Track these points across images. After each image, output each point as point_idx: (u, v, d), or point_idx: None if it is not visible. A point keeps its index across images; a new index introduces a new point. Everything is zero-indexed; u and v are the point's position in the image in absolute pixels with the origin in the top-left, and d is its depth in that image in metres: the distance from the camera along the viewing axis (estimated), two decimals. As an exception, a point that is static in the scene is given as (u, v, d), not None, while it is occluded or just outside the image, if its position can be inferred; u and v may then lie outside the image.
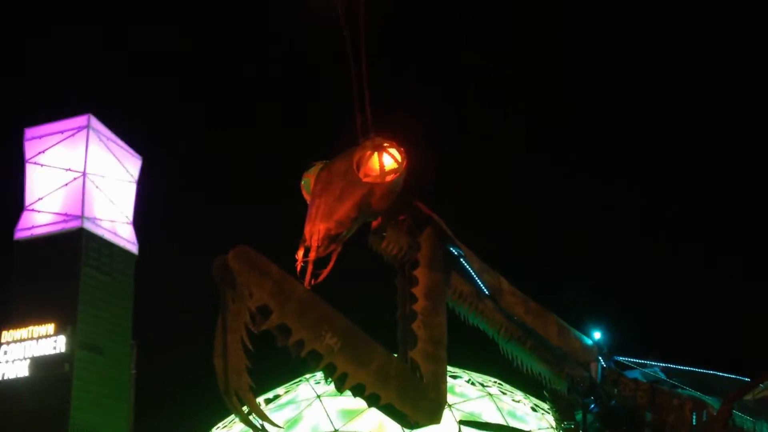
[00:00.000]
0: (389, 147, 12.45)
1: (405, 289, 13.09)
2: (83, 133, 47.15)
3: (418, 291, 12.82)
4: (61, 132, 47.46)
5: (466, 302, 13.65)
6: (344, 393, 11.91)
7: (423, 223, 13.36)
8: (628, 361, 15.10)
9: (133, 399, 49.34)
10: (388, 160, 12.46)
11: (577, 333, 14.50)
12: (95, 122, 47.77)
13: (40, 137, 47.21)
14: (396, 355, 12.59)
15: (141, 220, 50.77)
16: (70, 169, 46.82)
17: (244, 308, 11.03)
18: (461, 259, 13.50)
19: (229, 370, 10.75)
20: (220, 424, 35.32)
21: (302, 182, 13.23)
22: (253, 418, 10.88)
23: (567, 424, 15.04)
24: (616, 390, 14.72)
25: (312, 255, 12.32)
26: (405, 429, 12.52)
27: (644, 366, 15.41)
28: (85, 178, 46.63)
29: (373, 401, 11.89)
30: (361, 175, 12.33)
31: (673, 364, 15.53)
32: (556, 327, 14.23)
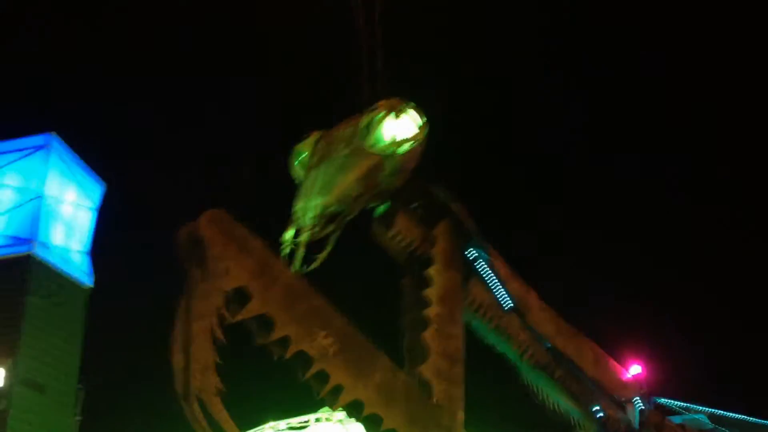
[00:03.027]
0: (406, 109, 10.06)
1: (414, 291, 10.59)
2: (43, 152, 44.14)
3: (431, 294, 10.31)
4: (20, 150, 44.33)
5: (486, 315, 11.15)
6: (337, 410, 9.18)
7: (440, 214, 10.96)
8: (670, 403, 12.64)
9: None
10: (403, 126, 10.05)
11: (615, 365, 12.03)
12: (57, 142, 44.81)
13: (-4, 154, 44.12)
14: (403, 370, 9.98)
15: (98, 250, 47.51)
16: (24, 189, 43.67)
17: (216, 289, 8.41)
18: (484, 262, 11.01)
19: (192, 367, 8.07)
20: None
21: (293, 157, 10.77)
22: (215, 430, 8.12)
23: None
24: (658, 436, 12.16)
25: (304, 236, 9.79)
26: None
27: (688, 411, 12.91)
28: (41, 201, 43.45)
29: (372, 425, 9.27)
30: (369, 143, 9.92)
31: (720, 410, 13.06)
32: (592, 354, 11.77)
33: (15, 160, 44.11)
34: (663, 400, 12.64)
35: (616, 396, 11.90)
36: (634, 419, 11.91)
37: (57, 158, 44.91)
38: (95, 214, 47.81)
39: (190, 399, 7.97)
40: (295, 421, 27.23)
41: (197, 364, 8.06)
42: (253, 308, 8.67)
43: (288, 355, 8.84)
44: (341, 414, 27.45)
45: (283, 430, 25.82)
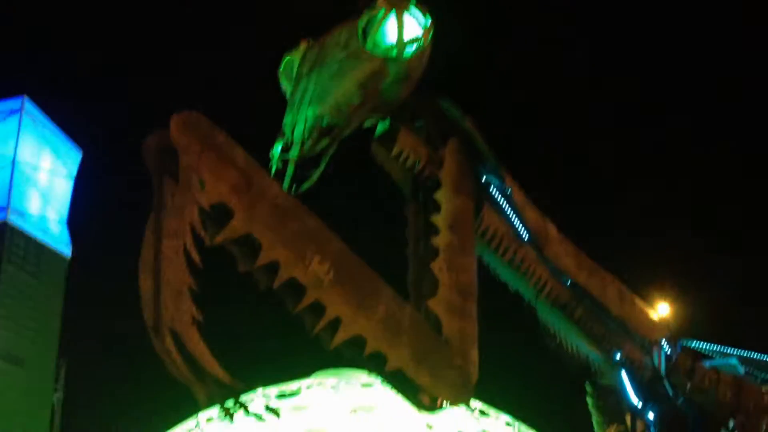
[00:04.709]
0: (410, 8, 8.72)
1: (420, 218, 9.28)
2: (16, 117, 42.46)
3: (440, 221, 9.00)
4: (-9, 115, 42.70)
5: (501, 246, 9.85)
6: (334, 348, 7.93)
7: (449, 132, 9.63)
8: (700, 346, 11.47)
9: (59, 422, 44.20)
10: (408, 26, 8.72)
11: (641, 303, 10.83)
12: (31, 107, 43.15)
13: (-34, 118, 42.38)
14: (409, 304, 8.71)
15: (76, 220, 45.97)
16: (-3, 155, 42.10)
17: (190, 203, 7.05)
18: (498, 187, 9.71)
19: (163, 293, 6.74)
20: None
21: (282, 67, 9.43)
22: (194, 369, 6.81)
23: (613, 428, 11.20)
24: (688, 382, 10.96)
25: (294, 152, 8.47)
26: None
27: (719, 354, 11.75)
28: (15, 167, 41.83)
29: (376, 364, 7.98)
30: (368, 45, 8.60)
31: (754, 352, 11.86)
32: (616, 291, 10.53)
33: (-13, 125, 42.52)
34: (692, 343, 11.47)
35: (641, 338, 10.71)
36: (661, 364, 10.71)
37: (31, 123, 43.29)
38: (73, 182, 46.31)
39: (161, 330, 6.66)
40: (286, 387, 26.16)
41: (168, 288, 6.74)
42: (235, 228, 7.35)
43: (276, 283, 7.54)
44: (333, 380, 26.37)
45: (274, 396, 24.67)
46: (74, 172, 45.79)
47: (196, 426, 25.70)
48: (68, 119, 45.77)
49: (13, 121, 42.30)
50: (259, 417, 7.34)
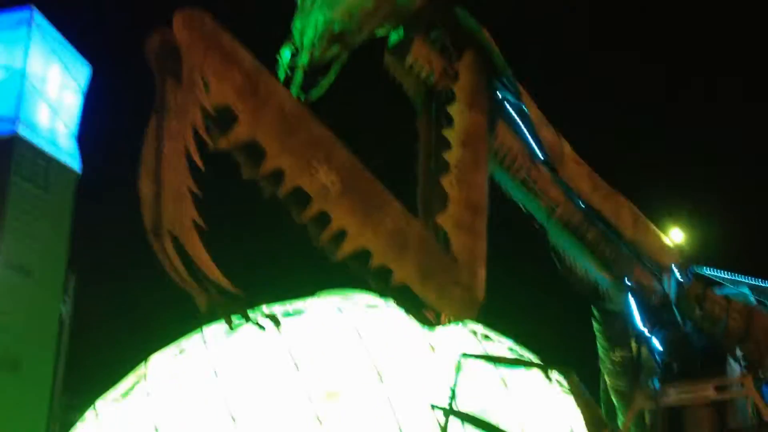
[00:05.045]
0: None
1: (432, 132, 9.00)
2: (24, 28, 41.67)
3: (452, 135, 8.71)
4: (-2, 25, 41.91)
5: (514, 165, 9.58)
6: (340, 261, 7.75)
7: (465, 44, 9.26)
8: (711, 274, 11.29)
9: (67, 334, 44.69)
10: None
11: (655, 229, 10.61)
12: (39, 18, 42.33)
13: (-28, 28, 41.71)
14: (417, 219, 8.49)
15: (85, 136, 45.64)
16: (6, 66, 41.45)
17: (193, 104, 6.77)
18: (514, 104, 9.38)
19: (163, 195, 6.51)
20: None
21: (293, -29, 8.99)
22: (195, 275, 6.65)
23: (618, 353, 11.11)
24: (698, 309, 10.81)
25: (303, 58, 8.15)
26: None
27: (731, 283, 11.56)
28: (24, 79, 41.28)
29: (381, 279, 7.79)
30: None
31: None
32: (630, 214, 10.30)
33: (-6, 35, 41.83)
34: (704, 270, 11.28)
35: (652, 263, 10.51)
36: (672, 290, 10.54)
37: (39, 35, 42.53)
38: (82, 97, 45.83)
39: (161, 234, 6.46)
40: (290, 306, 26.22)
41: (169, 191, 6.52)
42: (239, 133, 7.09)
43: (282, 192, 7.32)
44: (337, 299, 26.42)
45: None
46: (84, 86, 45.25)
47: (202, 342, 25.87)
48: (77, 33, 45.20)
49: (21, 32, 41.61)
50: (260, 326, 7.22)
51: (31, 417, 40.21)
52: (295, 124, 7.42)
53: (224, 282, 6.64)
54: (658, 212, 11.05)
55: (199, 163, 6.76)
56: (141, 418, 22.41)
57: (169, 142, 6.68)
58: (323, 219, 7.49)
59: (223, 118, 7.14)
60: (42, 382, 41.38)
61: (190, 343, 25.74)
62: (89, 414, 25.12)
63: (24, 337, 39.92)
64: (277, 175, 7.29)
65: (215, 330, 25.34)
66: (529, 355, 27.77)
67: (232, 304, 6.71)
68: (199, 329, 25.43)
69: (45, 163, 42.30)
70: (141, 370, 25.11)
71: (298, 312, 25.85)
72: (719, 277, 11.61)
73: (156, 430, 21.00)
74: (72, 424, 26.19)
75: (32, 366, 40.47)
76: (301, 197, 7.41)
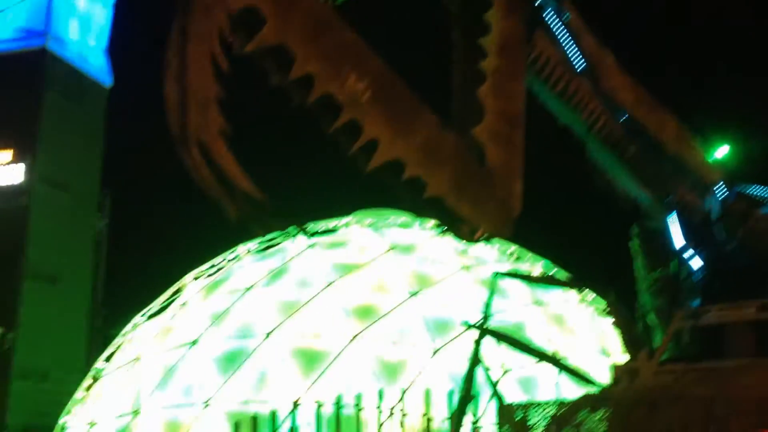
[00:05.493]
0: None
1: (469, 40, 8.55)
2: (53, -61, 41.12)
3: (488, 44, 8.26)
4: (28, -63, 41.36)
5: (553, 75, 9.13)
6: (371, 172, 7.47)
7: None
8: (757, 192, 10.86)
9: (105, 251, 45.22)
10: None
11: (699, 144, 10.17)
12: (68, -69, 41.71)
13: (1, -58, 41.18)
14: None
15: (117, 51, 45.31)
16: (35, -21, 41.03)
17: (218, 4, 6.42)
18: (554, 10, 8.87)
19: (189, 101, 6.23)
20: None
21: None
22: (223, 183, 6.41)
23: (657, 273, 10.82)
24: (741, 228, 10.43)
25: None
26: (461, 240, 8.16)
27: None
28: (53, -8, 40.93)
29: (414, 191, 7.50)
30: None
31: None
32: (674, 130, 9.85)
33: (23, -52, 41.32)
34: (748, 188, 10.85)
35: (696, 180, 10.10)
36: (715, 208, 10.14)
37: (68, -53, 41.94)
38: (112, 10, 45.36)
39: (188, 141, 6.21)
40: (322, 225, 26.14)
41: (195, 96, 6.23)
42: (266, 36, 6.74)
43: (311, 98, 7.01)
44: (371, 219, 26.28)
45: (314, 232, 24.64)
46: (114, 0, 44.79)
47: (235, 259, 25.97)
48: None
49: (50, -56, 41.03)
50: (291, 233, 7.02)
51: (70, 328, 41.14)
52: (325, 29, 7.05)
53: (252, 190, 6.40)
54: (705, 127, 10.53)
55: (225, 68, 6.46)
56: (177, 333, 22.68)
57: (193, 45, 6.36)
58: (354, 128, 7.19)
59: (249, 21, 6.80)
60: (81, 296, 42.18)
61: (223, 260, 25.85)
62: (128, 327, 25.49)
63: (62, 252, 40.53)
64: (307, 81, 6.98)
65: (249, 247, 25.42)
66: (563, 276, 27.47)
67: (262, 212, 6.49)
68: (233, 248, 25.54)
69: (76, 77, 42.20)
70: (176, 285, 25.33)
71: (331, 230, 25.76)
72: (764, 196, 11.15)
73: (194, 342, 21.26)
74: (112, 337, 26.62)
75: (70, 280, 41.21)
76: (331, 105, 7.11)
